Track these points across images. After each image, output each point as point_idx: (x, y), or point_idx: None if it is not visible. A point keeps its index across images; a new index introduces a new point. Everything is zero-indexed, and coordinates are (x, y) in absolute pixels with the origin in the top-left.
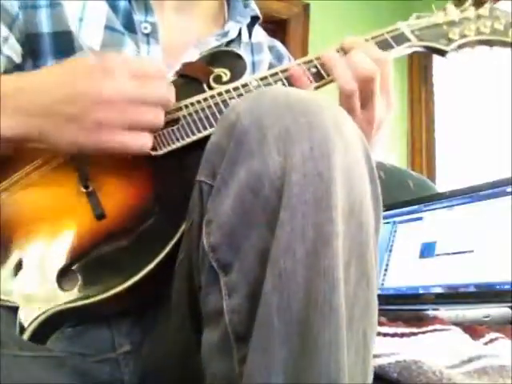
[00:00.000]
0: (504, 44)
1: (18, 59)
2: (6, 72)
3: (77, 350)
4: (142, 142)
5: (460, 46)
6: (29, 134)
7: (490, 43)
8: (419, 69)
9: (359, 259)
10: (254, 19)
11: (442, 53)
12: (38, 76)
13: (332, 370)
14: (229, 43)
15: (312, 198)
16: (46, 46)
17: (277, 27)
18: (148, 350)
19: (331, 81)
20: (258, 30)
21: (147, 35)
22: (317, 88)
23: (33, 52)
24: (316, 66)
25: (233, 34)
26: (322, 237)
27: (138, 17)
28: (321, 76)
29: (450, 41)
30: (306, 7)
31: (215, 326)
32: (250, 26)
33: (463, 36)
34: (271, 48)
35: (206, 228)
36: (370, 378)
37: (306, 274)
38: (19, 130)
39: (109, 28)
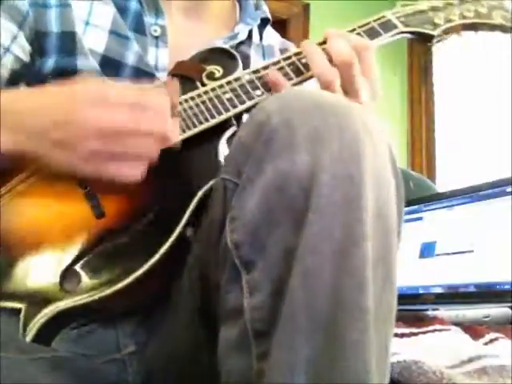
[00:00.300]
0: (488, 27)
1: (26, 58)
2: (14, 71)
3: (82, 351)
4: (132, 173)
5: (445, 31)
6: (16, 152)
7: (474, 27)
8: (419, 69)
9: (384, 262)
10: (265, 21)
11: (429, 38)
12: (34, 96)
13: (360, 370)
14: (238, 45)
15: (342, 199)
16: (52, 44)
17: (277, 27)
18: (153, 350)
19: (311, 76)
20: (270, 32)
21: (156, 38)
22: (296, 84)
23: (40, 49)
24: (294, 62)
25: (242, 36)
26: (351, 237)
27: (148, 19)
28: (300, 71)
29: (436, 26)
30: (306, 7)
31: (234, 322)
32: (261, 28)
33: (448, 21)
34: (283, 51)
35: (230, 225)
36: (387, 380)
37: (333, 272)
38: (7, 147)
39: (114, 33)
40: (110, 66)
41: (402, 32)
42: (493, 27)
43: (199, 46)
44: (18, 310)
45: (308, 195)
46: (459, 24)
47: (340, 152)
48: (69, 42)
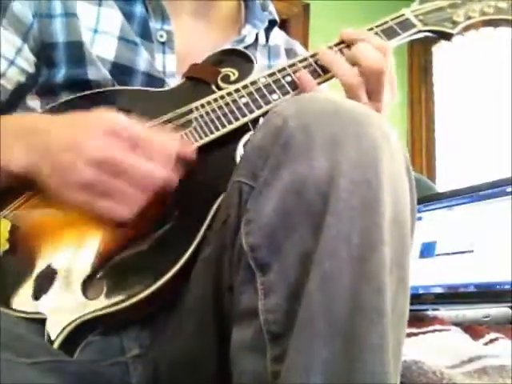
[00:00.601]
0: (508, 23)
1: (31, 69)
2: (19, 83)
3: (87, 355)
4: (121, 214)
5: (465, 28)
6: (29, 170)
7: (494, 23)
8: (419, 69)
9: (399, 266)
10: (272, 23)
11: (448, 36)
12: (49, 119)
13: (378, 372)
14: (245, 48)
15: (360, 204)
16: (60, 55)
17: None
18: (159, 353)
19: (330, 77)
20: (276, 32)
21: (163, 44)
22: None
23: (48, 60)
24: (311, 64)
25: (249, 40)
26: (368, 242)
27: (154, 24)
28: (317, 73)
29: (455, 23)
30: (306, 7)
31: (248, 324)
32: (268, 30)
33: (468, 18)
34: (288, 51)
35: (246, 227)
36: (399, 380)
37: (351, 277)
38: (22, 165)
39: (123, 39)
40: (122, 72)
41: (421, 31)
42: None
43: (207, 50)
44: (41, 319)
45: (326, 199)
46: (479, 21)
47: (358, 158)
48: (76, 52)
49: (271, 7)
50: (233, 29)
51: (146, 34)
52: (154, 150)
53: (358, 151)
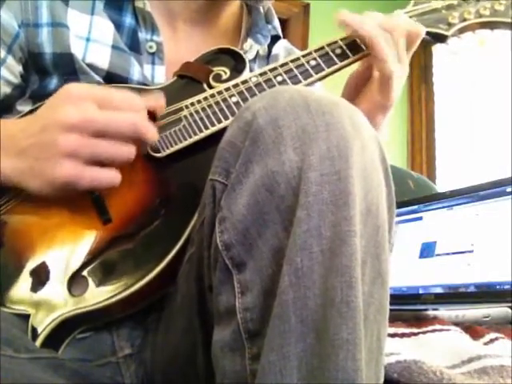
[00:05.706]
0: (505, 25)
1: (16, 80)
2: (5, 94)
3: (77, 355)
4: (108, 177)
5: (460, 30)
6: (5, 174)
7: (491, 25)
8: (419, 69)
9: (375, 259)
10: (275, 37)
11: (443, 38)
12: (15, 121)
13: (349, 369)
14: None
15: (329, 196)
16: (50, 65)
17: None
18: (152, 352)
19: (322, 78)
20: (278, 43)
21: (152, 54)
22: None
23: (38, 69)
24: (303, 64)
25: (250, 56)
26: (339, 235)
27: (143, 35)
28: (308, 74)
29: (450, 25)
30: (306, 7)
31: (227, 324)
32: (271, 45)
33: (463, 20)
34: None
35: (220, 226)
36: (382, 380)
37: (322, 272)
38: (4, 175)
39: (116, 48)
40: (116, 82)
41: None
42: (508, 25)
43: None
44: (25, 315)
45: (296, 193)
46: (475, 23)
47: (328, 150)
48: (66, 63)
49: (276, 22)
50: (233, 39)
51: (134, 45)
52: (123, 103)
53: (327, 143)
